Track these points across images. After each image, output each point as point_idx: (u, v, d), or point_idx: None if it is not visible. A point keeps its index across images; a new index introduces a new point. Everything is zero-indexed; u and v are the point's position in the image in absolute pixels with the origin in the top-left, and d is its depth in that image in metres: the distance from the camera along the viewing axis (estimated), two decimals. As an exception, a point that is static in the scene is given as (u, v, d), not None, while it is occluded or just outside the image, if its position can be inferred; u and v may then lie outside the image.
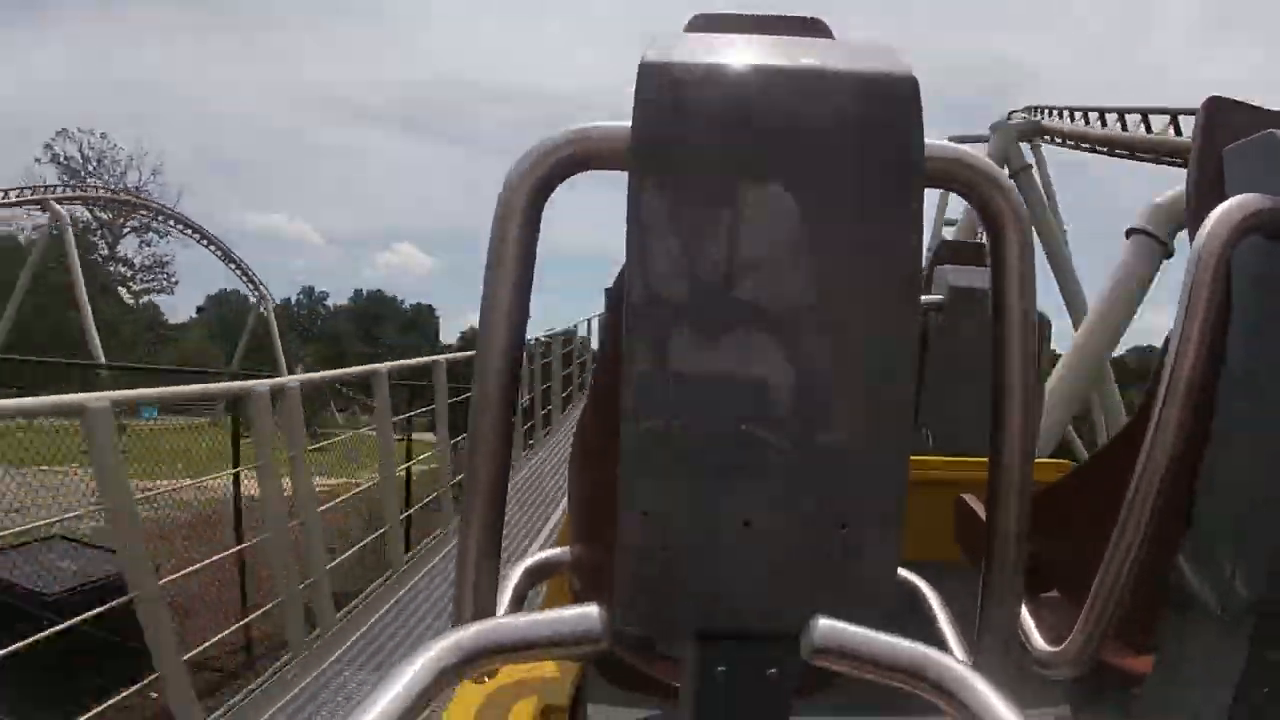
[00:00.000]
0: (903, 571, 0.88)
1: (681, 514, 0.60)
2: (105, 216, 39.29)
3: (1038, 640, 0.99)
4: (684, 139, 0.57)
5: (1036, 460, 0.77)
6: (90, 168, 40.70)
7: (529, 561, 1.02)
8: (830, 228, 0.58)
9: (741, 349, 0.58)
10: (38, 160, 39.73)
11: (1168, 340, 0.85)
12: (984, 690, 0.51)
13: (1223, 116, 0.93)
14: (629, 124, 0.58)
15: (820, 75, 0.58)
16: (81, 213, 35.39)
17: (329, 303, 55.55)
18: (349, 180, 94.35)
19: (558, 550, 1.01)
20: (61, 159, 40.29)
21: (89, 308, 28.32)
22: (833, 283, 0.58)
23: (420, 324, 55.79)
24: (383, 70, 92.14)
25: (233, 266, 38.96)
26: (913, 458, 0.63)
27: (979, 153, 0.68)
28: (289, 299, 52.88)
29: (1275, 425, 0.86)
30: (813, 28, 0.75)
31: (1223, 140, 0.91)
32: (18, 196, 29.03)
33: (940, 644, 0.84)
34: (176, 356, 33.21)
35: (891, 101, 0.58)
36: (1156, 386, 0.85)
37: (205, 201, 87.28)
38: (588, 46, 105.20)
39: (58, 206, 29.10)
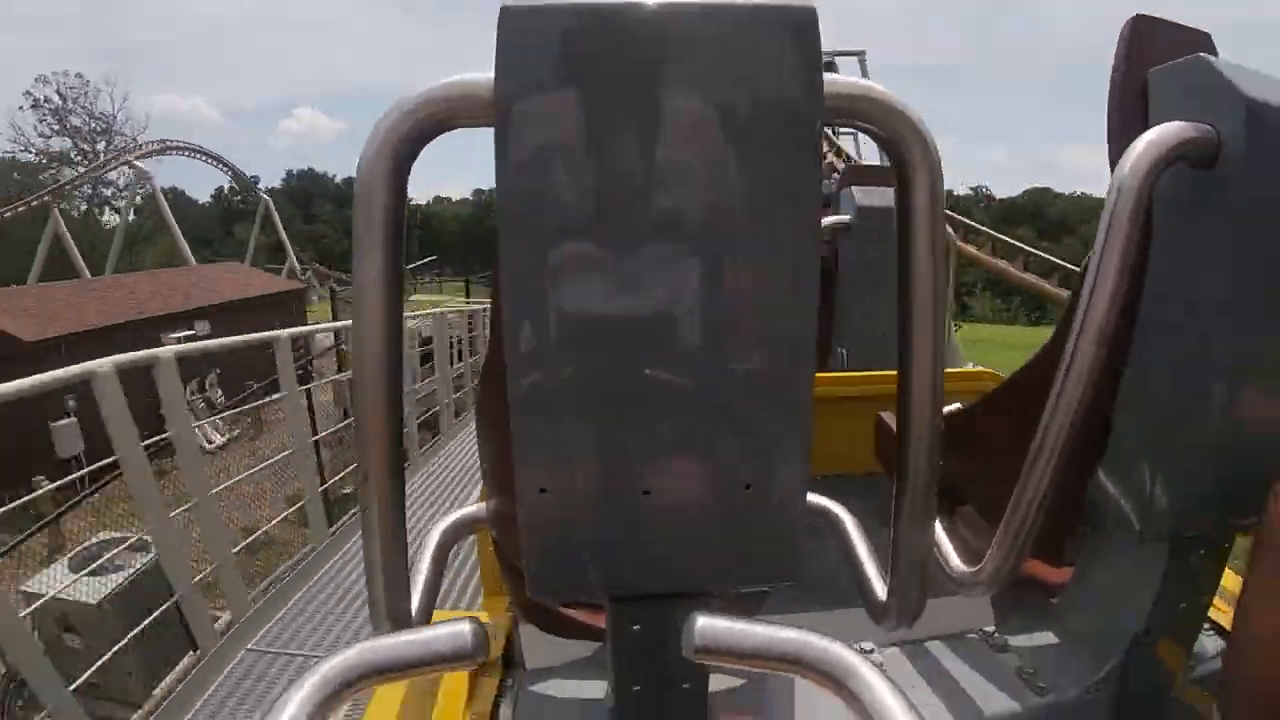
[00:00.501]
0: (819, 498, 0.95)
1: (579, 489, 0.59)
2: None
3: (954, 559, 1.01)
4: (551, 85, 0.52)
5: (959, 370, 0.82)
6: (69, 106, 41.86)
7: (445, 524, 1.02)
8: (720, 170, 0.54)
9: (629, 298, 0.56)
10: (20, 108, 44.32)
11: (1086, 263, 0.83)
12: (870, 675, 0.52)
13: (1147, 36, 0.87)
14: (491, 75, 0.53)
15: (705, 9, 0.53)
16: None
17: (261, 186, 58.50)
18: (237, 50, 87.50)
19: (473, 508, 1.03)
20: (42, 101, 41.17)
21: (191, 257, 34.08)
22: (725, 227, 0.55)
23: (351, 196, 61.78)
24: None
25: (226, 171, 43.58)
26: (831, 375, 0.67)
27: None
28: (226, 187, 55.57)
29: (1191, 350, 0.85)
30: None
31: (1148, 62, 0.86)
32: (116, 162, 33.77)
33: (855, 569, 0.88)
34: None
35: (786, 32, 0.54)
36: (1074, 310, 0.84)
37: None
38: None
39: (140, 164, 33.94)
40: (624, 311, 0.56)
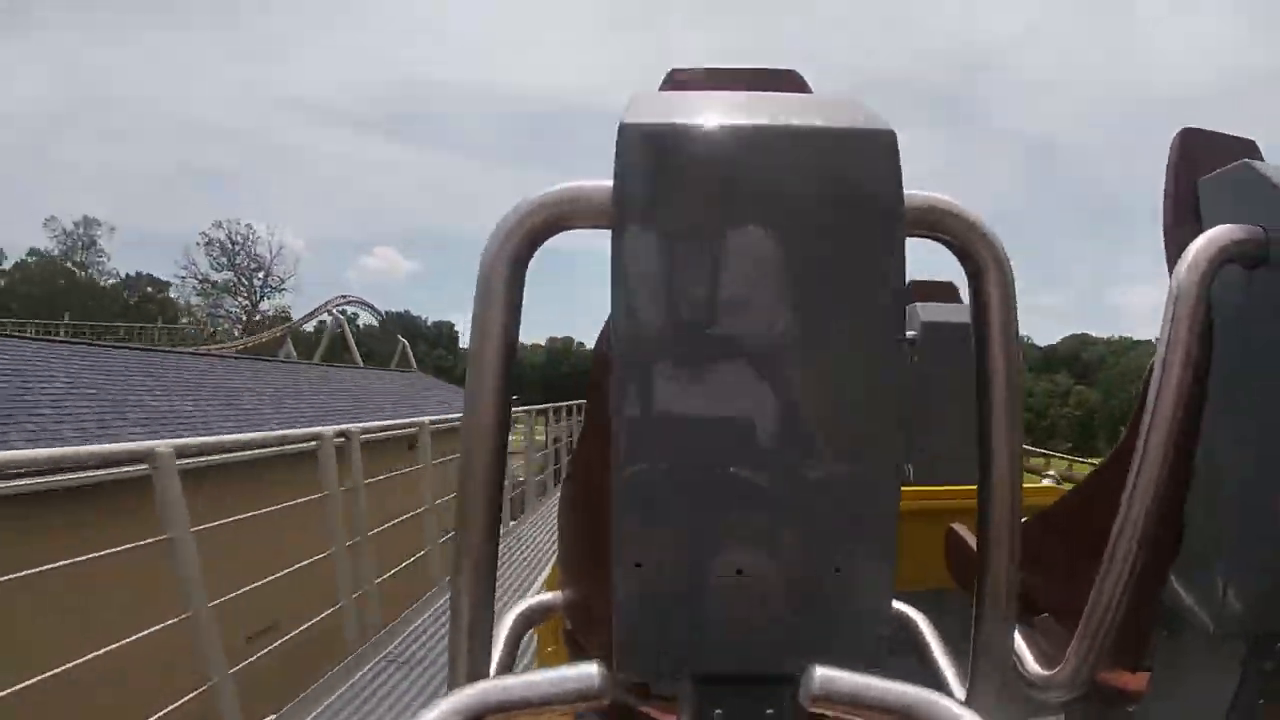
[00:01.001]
0: (895, 603, 0.90)
1: (674, 565, 0.60)
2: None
3: (1032, 664, 0.99)
4: (665, 198, 0.57)
5: (1029, 486, 0.80)
6: (236, 247, 57.93)
7: (522, 607, 1.02)
8: (812, 282, 0.58)
9: (729, 400, 0.59)
10: (197, 244, 56.85)
11: (1151, 367, 0.85)
12: None
13: (1196, 147, 0.92)
14: (609, 182, 0.58)
15: (798, 132, 0.58)
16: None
17: (359, 323, 63.63)
18: (326, 186, 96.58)
19: (549, 595, 1.03)
20: (215, 243, 57.37)
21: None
22: (817, 334, 0.59)
23: (443, 336, 71.60)
24: (351, 71, 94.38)
25: (373, 313, 55.86)
26: (902, 489, 0.63)
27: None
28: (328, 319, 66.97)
29: (1259, 448, 0.86)
30: (789, 81, 0.77)
31: (1197, 171, 0.91)
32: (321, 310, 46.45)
33: (934, 673, 0.86)
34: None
35: (869, 155, 0.58)
36: (1142, 413, 0.85)
37: (192, 213, 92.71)
38: (560, 42, 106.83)
39: (334, 311, 46.31)
40: (723, 412, 0.59)
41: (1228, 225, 0.82)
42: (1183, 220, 0.90)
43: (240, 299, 58.27)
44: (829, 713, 0.61)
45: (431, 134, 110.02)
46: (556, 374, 65.92)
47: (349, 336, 46.87)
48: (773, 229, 0.58)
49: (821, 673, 0.59)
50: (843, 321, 0.59)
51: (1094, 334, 75.42)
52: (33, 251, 55.17)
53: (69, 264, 55.86)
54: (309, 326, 53.76)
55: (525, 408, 10.69)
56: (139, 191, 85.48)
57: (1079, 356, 69.86)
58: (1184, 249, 0.83)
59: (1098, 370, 65.91)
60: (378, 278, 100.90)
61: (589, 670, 0.63)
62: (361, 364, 41.18)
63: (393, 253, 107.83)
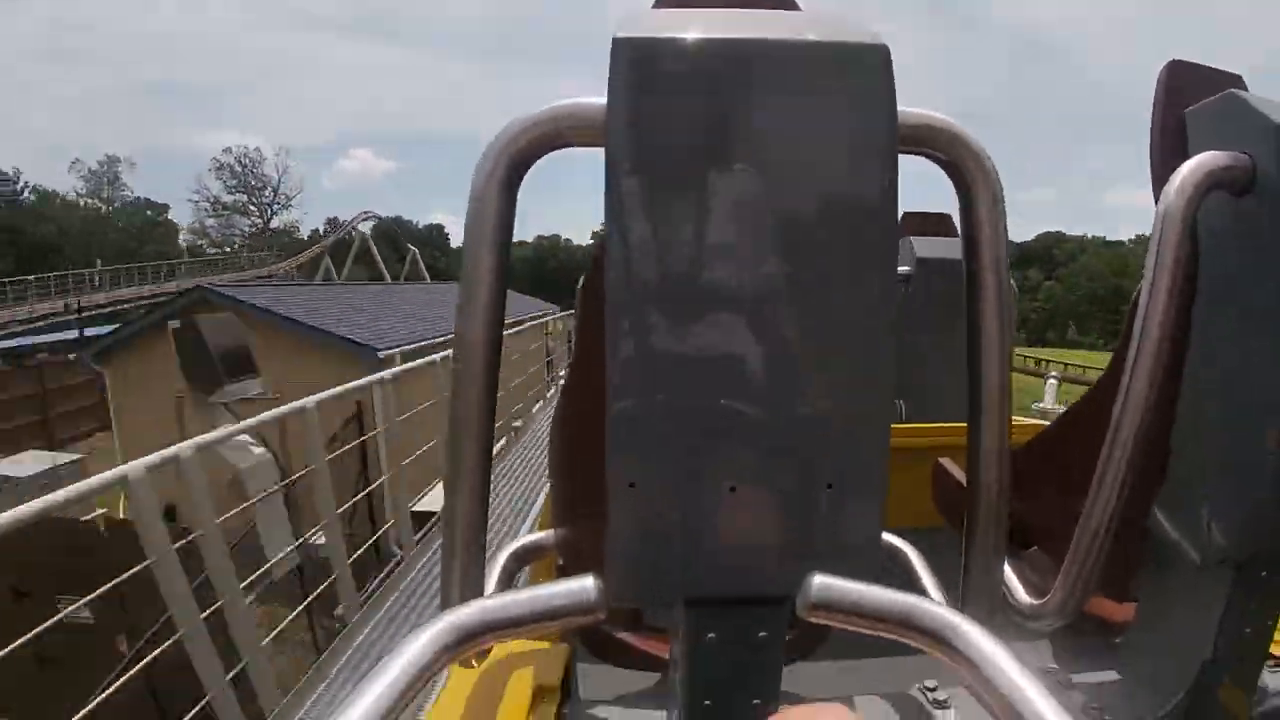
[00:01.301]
0: (885, 535, 0.90)
1: (667, 484, 0.61)
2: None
3: (1020, 594, 1.01)
4: (657, 114, 0.57)
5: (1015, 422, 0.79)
6: (247, 170, 63.23)
7: (515, 545, 1.02)
8: (806, 199, 0.58)
9: (721, 322, 0.59)
10: (209, 170, 62.35)
11: (1137, 295, 0.85)
12: (974, 633, 0.52)
13: (1183, 79, 0.92)
14: (602, 100, 0.57)
15: (790, 47, 0.57)
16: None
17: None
18: (297, 89, 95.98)
19: (541, 534, 1.02)
20: (225, 167, 62.50)
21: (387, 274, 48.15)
22: (810, 254, 0.58)
23: (435, 238, 74.57)
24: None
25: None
26: (892, 426, 0.63)
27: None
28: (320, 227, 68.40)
29: (1244, 378, 0.86)
30: (779, 0, 0.75)
31: (1184, 103, 0.90)
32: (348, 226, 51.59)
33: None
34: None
35: (862, 70, 0.57)
36: (1128, 343, 0.86)
37: (156, 126, 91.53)
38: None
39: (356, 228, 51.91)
40: (717, 335, 0.59)
41: (1214, 152, 0.82)
42: (1170, 150, 0.90)
43: (252, 218, 63.66)
44: (827, 622, 0.61)
45: (404, 33, 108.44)
46: (544, 270, 68.16)
47: (374, 250, 51.62)
48: (765, 145, 0.57)
49: (820, 580, 0.59)
50: (837, 238, 0.58)
51: (1069, 232, 78.39)
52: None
53: (96, 200, 59.65)
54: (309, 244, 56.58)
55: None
56: (104, 112, 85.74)
57: (1052, 254, 73.61)
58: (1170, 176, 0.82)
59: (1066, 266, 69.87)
60: (356, 181, 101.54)
61: (585, 584, 0.62)
62: (428, 279, 44.37)
63: (369, 155, 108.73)
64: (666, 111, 0.57)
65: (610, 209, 0.58)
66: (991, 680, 0.49)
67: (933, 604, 0.57)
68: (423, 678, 0.51)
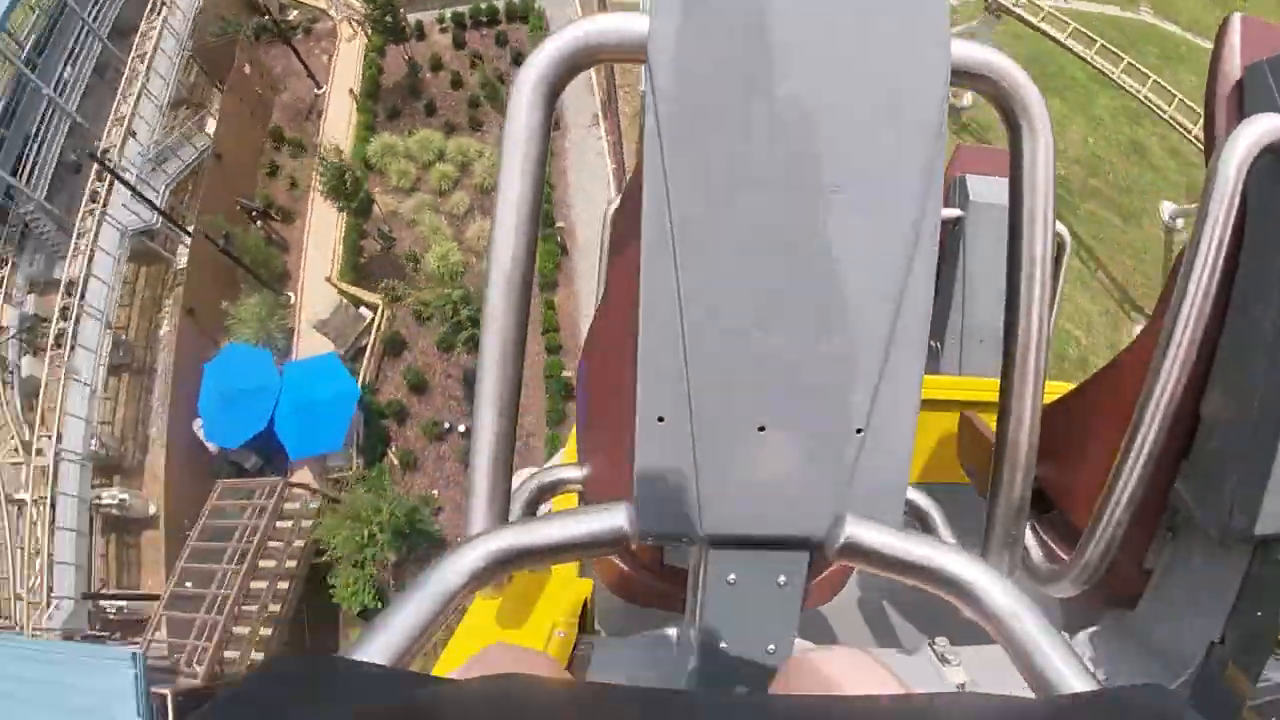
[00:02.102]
0: (910, 490, 0.89)
1: (697, 419, 0.60)
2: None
3: (1039, 557, 1.01)
4: (705, 35, 0.55)
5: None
6: None
7: (539, 474, 0.99)
8: (850, 133, 0.56)
9: (757, 259, 0.58)
10: None
11: (1180, 257, 0.83)
12: (1001, 587, 0.52)
13: (1244, 33, 0.89)
14: (644, 17, 0.56)
15: None
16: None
17: None
18: None
19: (567, 465, 1.00)
20: None
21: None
22: (850, 191, 0.57)
23: None
24: None
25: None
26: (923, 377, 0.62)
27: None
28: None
29: (1275, 344, 0.84)
30: None
31: (1244, 57, 0.88)
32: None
33: None
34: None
35: (916, 4, 0.56)
36: (1165, 308, 0.84)
37: None
38: None
39: None
40: (755, 258, 0.57)
41: (1268, 115, 0.80)
42: (1227, 104, 0.88)
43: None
44: (855, 565, 0.61)
45: None
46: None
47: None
48: (812, 73, 0.56)
49: (852, 523, 0.59)
50: (878, 175, 0.57)
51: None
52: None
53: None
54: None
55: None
56: None
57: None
58: (1225, 133, 0.81)
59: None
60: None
61: (616, 513, 0.61)
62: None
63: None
64: (714, 32, 0.55)
65: (649, 134, 0.56)
66: (1015, 635, 0.49)
67: (962, 555, 0.56)
68: (454, 602, 0.51)
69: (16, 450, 11.91)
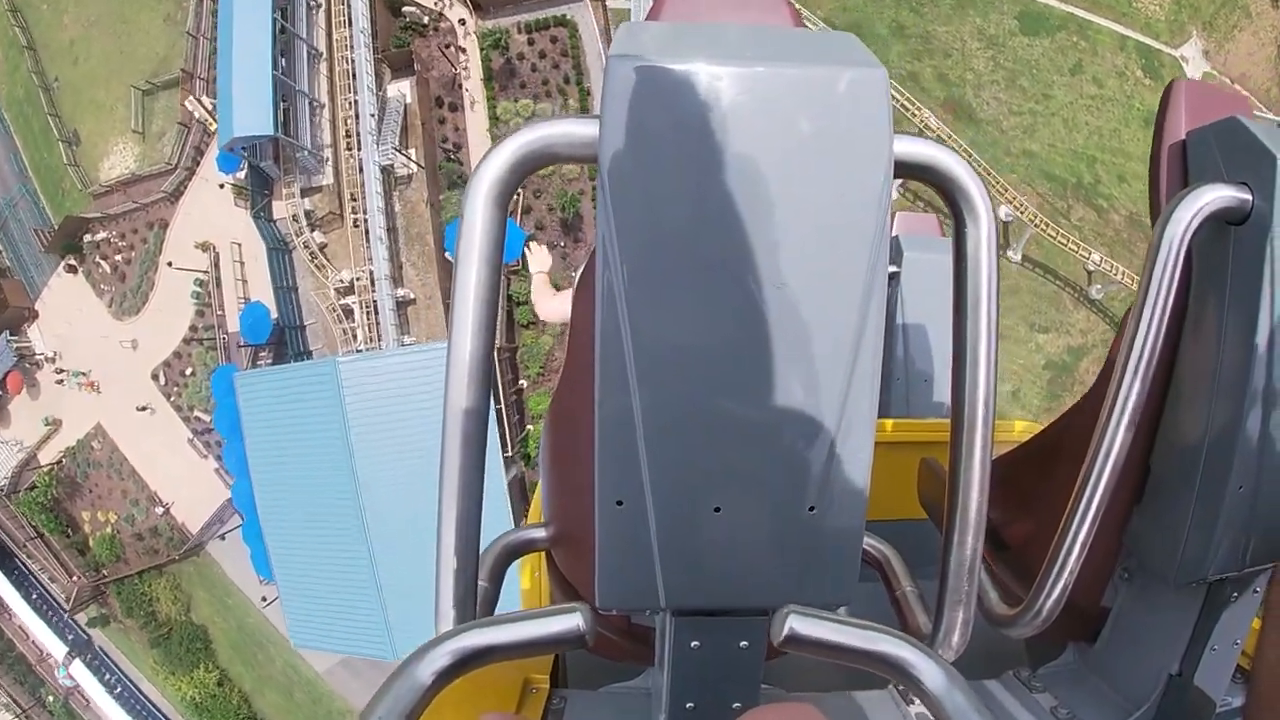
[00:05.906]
0: (866, 537, 0.90)
1: (654, 503, 0.63)
2: None
3: (995, 600, 1.02)
4: (650, 140, 0.58)
5: (1000, 422, 0.80)
6: None
7: (506, 539, 1.02)
8: (797, 222, 0.59)
9: (710, 333, 0.61)
10: None
11: (1127, 314, 0.85)
12: (933, 669, 0.55)
13: (1189, 98, 0.89)
14: (594, 120, 0.59)
15: (787, 76, 0.57)
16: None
17: None
18: None
19: (532, 527, 1.03)
20: None
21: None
22: (798, 275, 0.59)
23: None
24: None
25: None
26: (878, 420, 0.64)
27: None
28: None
29: (1229, 404, 0.86)
30: (776, 12, 0.73)
31: (1187, 123, 0.89)
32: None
33: (901, 608, 0.88)
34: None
35: (859, 98, 0.58)
36: (1114, 363, 0.86)
37: None
38: None
39: None
40: (705, 344, 0.60)
41: (1213, 184, 0.81)
42: (1171, 171, 0.89)
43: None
44: (799, 653, 0.61)
45: None
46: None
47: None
48: (757, 169, 0.58)
49: (792, 617, 0.61)
50: (824, 271, 0.59)
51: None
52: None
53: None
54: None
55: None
56: None
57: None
58: (1169, 199, 0.82)
59: None
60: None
61: (572, 615, 0.62)
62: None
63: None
64: (660, 136, 0.58)
65: (602, 220, 0.60)
66: (947, 712, 0.54)
67: (896, 639, 0.59)
68: (424, 700, 0.55)
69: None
